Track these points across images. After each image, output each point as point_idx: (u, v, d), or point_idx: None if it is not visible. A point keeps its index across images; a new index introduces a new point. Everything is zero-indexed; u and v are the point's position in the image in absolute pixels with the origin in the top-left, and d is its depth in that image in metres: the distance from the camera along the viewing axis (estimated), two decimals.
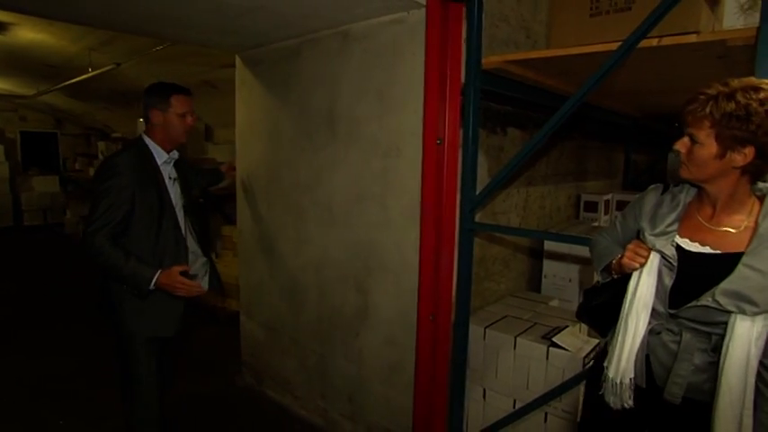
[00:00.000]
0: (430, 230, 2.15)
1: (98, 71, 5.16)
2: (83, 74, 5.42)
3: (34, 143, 9.63)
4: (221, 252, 5.36)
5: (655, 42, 1.67)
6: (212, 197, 5.05)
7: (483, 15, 2.04)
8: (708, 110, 1.16)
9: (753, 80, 1.17)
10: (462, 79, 2.08)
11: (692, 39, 1.61)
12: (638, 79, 2.27)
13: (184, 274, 1.98)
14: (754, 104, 1.12)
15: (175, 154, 2.13)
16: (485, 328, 2.32)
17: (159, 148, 2.04)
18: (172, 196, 2.05)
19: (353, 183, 2.44)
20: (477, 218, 2.41)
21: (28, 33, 4.40)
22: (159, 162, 2.03)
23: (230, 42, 2.79)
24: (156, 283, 1.90)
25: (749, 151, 1.15)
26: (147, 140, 2.04)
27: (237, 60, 3.06)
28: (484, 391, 2.35)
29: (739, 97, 1.13)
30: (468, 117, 2.08)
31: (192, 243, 2.21)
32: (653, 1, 1.59)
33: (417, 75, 2.10)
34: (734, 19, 1.87)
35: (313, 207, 2.66)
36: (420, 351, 2.23)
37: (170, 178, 2.08)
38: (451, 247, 2.18)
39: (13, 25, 4.20)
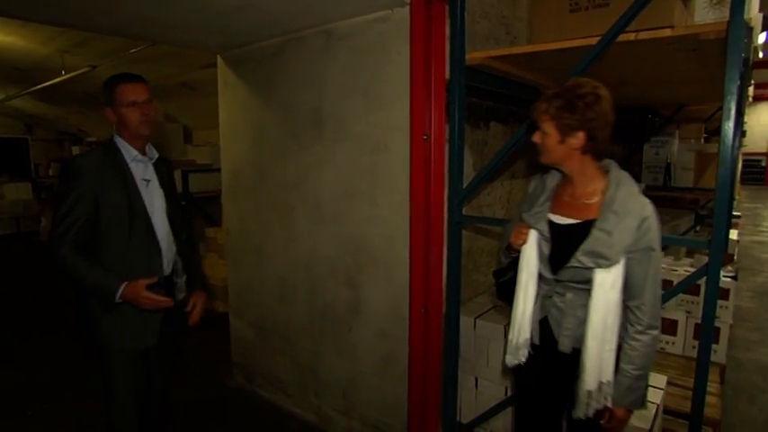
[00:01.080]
0: (419, 224, 2.19)
1: (72, 74, 5.06)
2: (55, 77, 5.29)
3: (3, 149, 9.35)
4: (205, 254, 5.32)
5: (632, 37, 1.73)
6: (194, 199, 5.00)
7: (465, 13, 2.08)
8: (545, 107, 1.46)
9: (577, 80, 1.47)
10: (447, 75, 2.12)
11: (667, 33, 1.68)
12: (616, 73, 2.34)
13: (153, 286, 1.80)
14: (576, 99, 1.41)
15: (153, 152, 1.95)
16: (475, 318, 2.37)
17: (128, 146, 1.86)
18: (145, 198, 1.87)
19: (342, 180, 2.47)
20: (464, 211, 2.46)
21: None
22: (128, 160, 1.85)
23: (214, 42, 2.78)
24: (121, 295, 1.76)
25: (581, 135, 1.43)
26: (117, 139, 1.87)
27: (219, 61, 3.05)
28: (476, 380, 2.40)
29: (564, 94, 1.43)
30: (453, 112, 2.12)
31: (169, 254, 1.97)
32: None
33: (403, 72, 2.13)
34: (704, 13, 1.95)
35: (301, 205, 2.68)
36: (413, 343, 2.28)
37: (143, 180, 1.89)
38: (441, 240, 2.23)
39: None
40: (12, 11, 2.27)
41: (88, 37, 4.12)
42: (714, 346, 3.18)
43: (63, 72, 5.09)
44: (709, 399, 2.78)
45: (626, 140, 5.13)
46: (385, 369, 2.44)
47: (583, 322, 1.51)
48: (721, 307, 3.13)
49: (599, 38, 1.73)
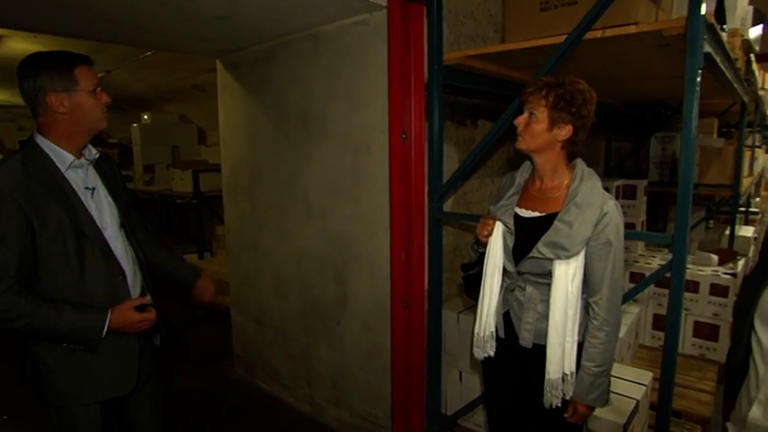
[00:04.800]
0: (399, 221, 2.25)
1: None
2: None
3: None
4: (217, 251, 5.50)
5: (599, 34, 1.75)
6: (205, 198, 5.16)
7: (443, 14, 2.13)
8: (545, 93, 1.47)
9: (572, 77, 1.50)
10: (426, 75, 2.17)
11: (632, 29, 1.69)
12: (602, 69, 2.35)
13: (140, 307, 1.50)
14: (576, 92, 1.45)
15: (92, 151, 1.55)
16: (458, 313, 2.42)
17: (60, 149, 1.45)
18: (92, 211, 1.48)
19: (328, 178, 2.54)
20: (452, 208, 2.50)
21: (20, 44, 4.51)
22: (63, 168, 1.44)
23: (209, 48, 2.89)
24: (108, 328, 1.43)
25: (568, 129, 1.47)
26: (41, 141, 1.44)
27: (218, 65, 3.17)
28: (460, 373, 2.45)
29: (567, 85, 1.46)
30: (432, 111, 2.17)
31: (135, 275, 1.60)
32: None
33: (382, 72, 2.19)
34: (684, 8, 1.95)
35: (292, 203, 2.77)
36: (395, 336, 2.34)
37: (86, 188, 1.50)
38: (422, 236, 2.28)
39: (5, 38, 4.31)
40: (20, 24, 2.43)
41: (104, 44, 4.30)
42: (713, 344, 3.14)
43: None
44: (703, 396, 2.77)
45: (631, 135, 5.06)
46: (370, 361, 2.50)
47: (543, 317, 1.54)
48: (721, 305, 3.10)
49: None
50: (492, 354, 1.68)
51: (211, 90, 5.30)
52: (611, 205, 1.47)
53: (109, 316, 1.42)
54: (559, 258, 1.45)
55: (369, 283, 2.44)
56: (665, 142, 4.40)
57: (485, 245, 1.67)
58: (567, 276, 1.46)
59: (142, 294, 1.63)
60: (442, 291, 2.34)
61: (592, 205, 1.45)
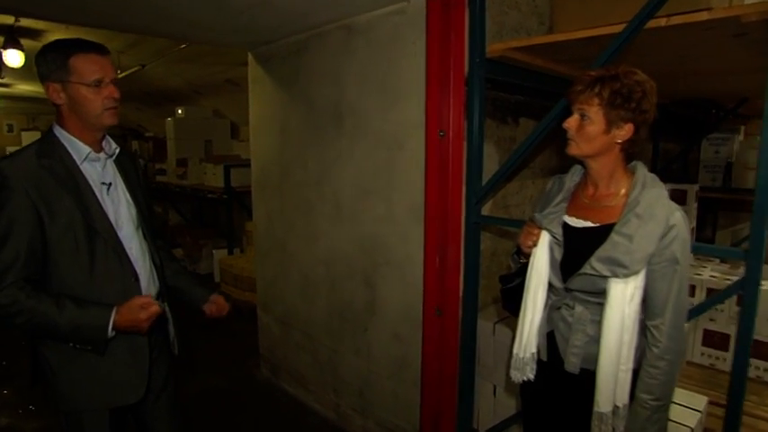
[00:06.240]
0: (434, 224, 2.12)
1: (125, 73, 5.33)
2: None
3: None
4: (247, 247, 5.48)
5: (663, 22, 1.57)
6: (236, 193, 5.14)
7: (486, 3, 1.98)
8: (597, 89, 1.29)
9: (627, 66, 1.32)
10: (466, 69, 2.03)
11: (704, 16, 1.50)
12: (660, 62, 2.15)
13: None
14: (634, 85, 1.27)
15: (111, 145, 1.47)
16: (494, 323, 2.27)
17: (76, 141, 1.37)
18: (107, 207, 1.40)
19: (359, 177, 2.43)
20: (489, 211, 2.35)
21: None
22: (78, 160, 1.37)
23: (240, 40, 2.83)
24: (114, 327, 1.32)
25: (629, 128, 1.30)
26: (59, 132, 1.38)
27: (250, 57, 3.10)
28: (494, 387, 2.30)
29: (622, 77, 1.28)
30: (472, 108, 2.03)
31: (150, 279, 1.51)
32: None
33: (419, 66, 2.07)
34: None
35: (322, 202, 2.67)
36: (426, 345, 2.21)
37: (103, 183, 1.41)
38: (458, 240, 2.14)
39: (46, 32, 4.38)
40: (50, 15, 2.42)
41: (140, 38, 4.31)
42: None
43: (119, 71, 5.38)
44: (762, 424, 2.52)
45: (681, 136, 4.77)
46: (399, 372, 2.39)
47: (594, 340, 1.37)
48: None
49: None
50: (532, 377, 1.51)
51: (244, 84, 5.24)
52: (678, 217, 1.28)
53: (113, 314, 1.31)
54: (617, 276, 1.27)
55: (400, 289, 2.32)
56: (718, 145, 4.11)
57: (527, 255, 1.50)
58: (623, 297, 1.28)
59: (158, 299, 1.53)
60: (477, 299, 2.19)
61: (655, 216, 1.26)
